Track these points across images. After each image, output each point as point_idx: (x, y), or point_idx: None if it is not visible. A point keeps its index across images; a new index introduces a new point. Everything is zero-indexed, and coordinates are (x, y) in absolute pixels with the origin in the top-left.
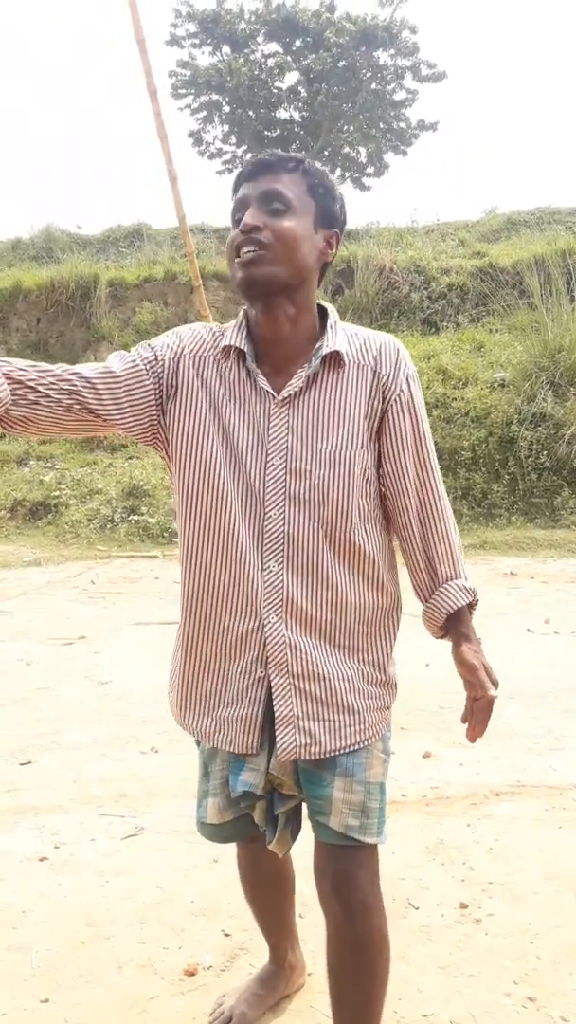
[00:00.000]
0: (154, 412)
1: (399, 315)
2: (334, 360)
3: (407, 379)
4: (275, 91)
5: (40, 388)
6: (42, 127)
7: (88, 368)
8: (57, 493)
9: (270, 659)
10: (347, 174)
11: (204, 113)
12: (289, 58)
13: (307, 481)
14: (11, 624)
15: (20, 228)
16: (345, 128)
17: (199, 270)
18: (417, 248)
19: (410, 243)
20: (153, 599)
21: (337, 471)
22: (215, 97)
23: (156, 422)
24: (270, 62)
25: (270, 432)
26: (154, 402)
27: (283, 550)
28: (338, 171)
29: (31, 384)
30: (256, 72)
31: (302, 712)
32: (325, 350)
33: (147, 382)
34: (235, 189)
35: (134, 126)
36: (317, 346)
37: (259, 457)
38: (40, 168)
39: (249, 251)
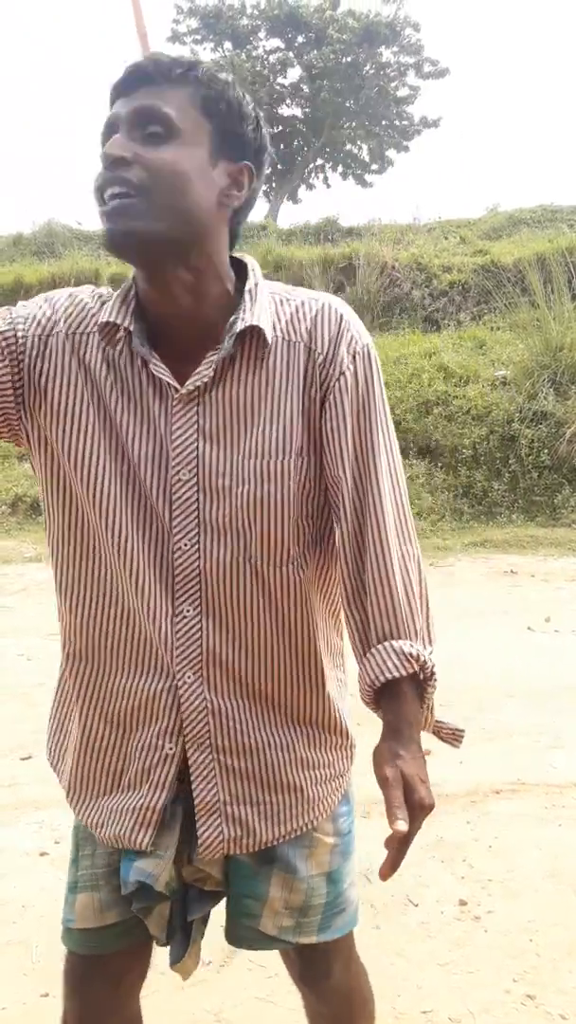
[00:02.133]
0: (9, 408)
1: (400, 313)
2: (254, 339)
3: (353, 355)
4: (277, 87)
5: None
6: (44, 123)
7: None
8: None
9: (187, 730)
10: (349, 171)
11: None
12: (291, 54)
13: (227, 502)
14: (11, 620)
15: (22, 223)
16: (347, 125)
17: None
18: (419, 246)
19: (412, 240)
20: None
21: (266, 487)
22: None
23: (13, 421)
24: (272, 58)
25: (174, 438)
26: (10, 396)
27: (199, 591)
28: (340, 168)
29: None
30: (258, 68)
31: (229, 795)
32: (240, 325)
33: (2, 372)
34: (109, 101)
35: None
36: (231, 320)
37: (161, 471)
38: (41, 164)
39: (114, 195)
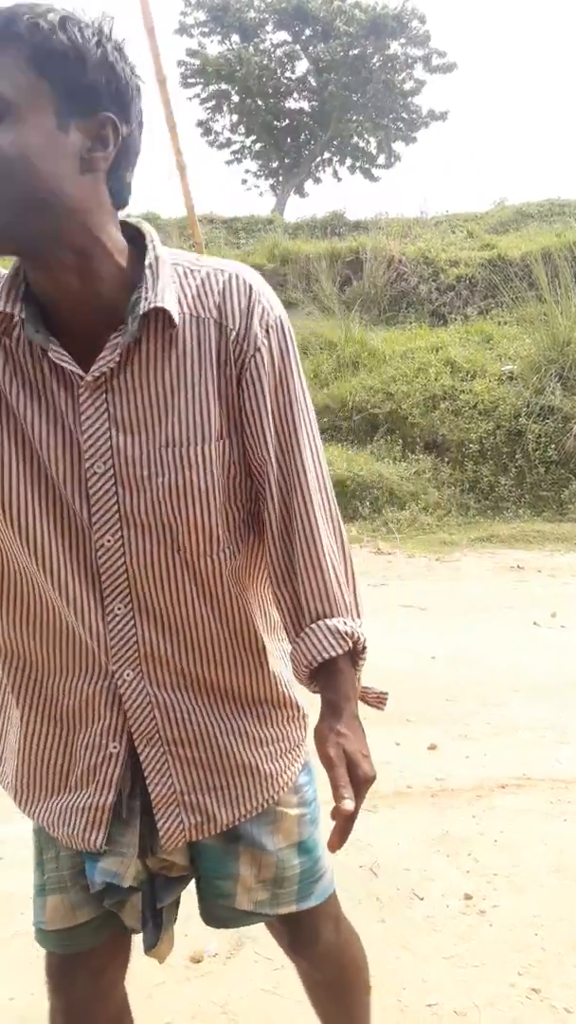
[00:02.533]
0: None
1: (407, 307)
2: (159, 319)
3: (267, 329)
4: (284, 81)
5: None
6: None
7: None
8: None
9: (134, 727)
10: (357, 164)
11: (213, 103)
12: (299, 47)
13: (147, 493)
14: None
15: None
16: (355, 118)
17: None
18: (426, 240)
19: (419, 234)
20: None
21: (187, 475)
22: (224, 87)
23: None
24: (279, 51)
25: (83, 428)
26: None
27: (128, 587)
28: (348, 161)
29: None
30: (265, 61)
31: (186, 785)
32: (144, 306)
33: None
34: None
35: (144, 115)
36: (133, 299)
37: (74, 466)
38: None
39: None
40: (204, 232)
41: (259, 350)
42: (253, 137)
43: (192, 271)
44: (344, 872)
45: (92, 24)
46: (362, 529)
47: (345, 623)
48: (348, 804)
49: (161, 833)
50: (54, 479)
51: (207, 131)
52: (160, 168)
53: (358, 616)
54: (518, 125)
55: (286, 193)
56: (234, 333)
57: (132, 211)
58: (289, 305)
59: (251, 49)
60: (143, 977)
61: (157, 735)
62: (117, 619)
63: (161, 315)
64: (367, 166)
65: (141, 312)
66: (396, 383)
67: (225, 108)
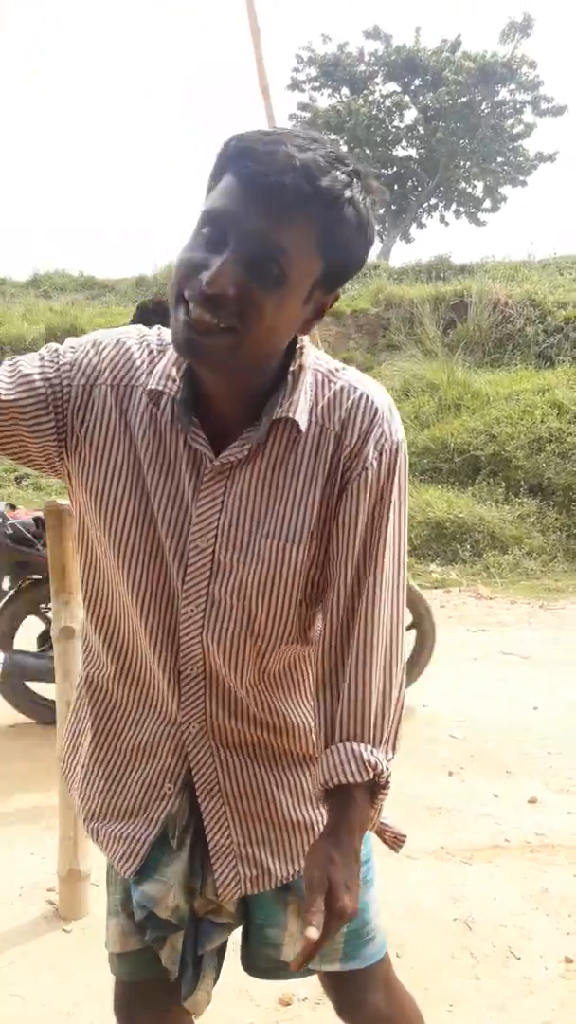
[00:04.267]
0: (51, 451)
1: (513, 349)
2: (288, 427)
3: (380, 452)
4: (393, 129)
5: None
6: (168, 169)
7: None
8: None
9: (196, 778)
10: (463, 209)
11: None
12: (407, 97)
13: (234, 578)
14: None
15: (144, 266)
16: (462, 164)
17: None
18: (533, 282)
19: (526, 276)
20: None
21: (277, 569)
22: (333, 137)
23: (56, 463)
24: (388, 101)
25: (198, 507)
26: (52, 442)
27: (201, 658)
28: (454, 206)
29: None
30: (374, 112)
31: (243, 838)
32: (278, 413)
33: (45, 420)
34: (223, 165)
35: None
36: (271, 402)
37: (181, 536)
38: (164, 208)
39: (203, 322)
40: None
41: (367, 469)
42: None
43: (330, 381)
44: (438, 924)
45: (361, 215)
46: (462, 573)
47: (373, 753)
48: (312, 932)
49: (218, 883)
50: (162, 542)
51: None
52: None
53: (390, 751)
54: None
55: (392, 239)
56: (348, 449)
57: None
58: (391, 348)
59: (360, 100)
60: (233, 1016)
61: (217, 787)
62: (189, 680)
63: (290, 425)
64: (473, 210)
65: (273, 418)
66: (500, 425)
67: None
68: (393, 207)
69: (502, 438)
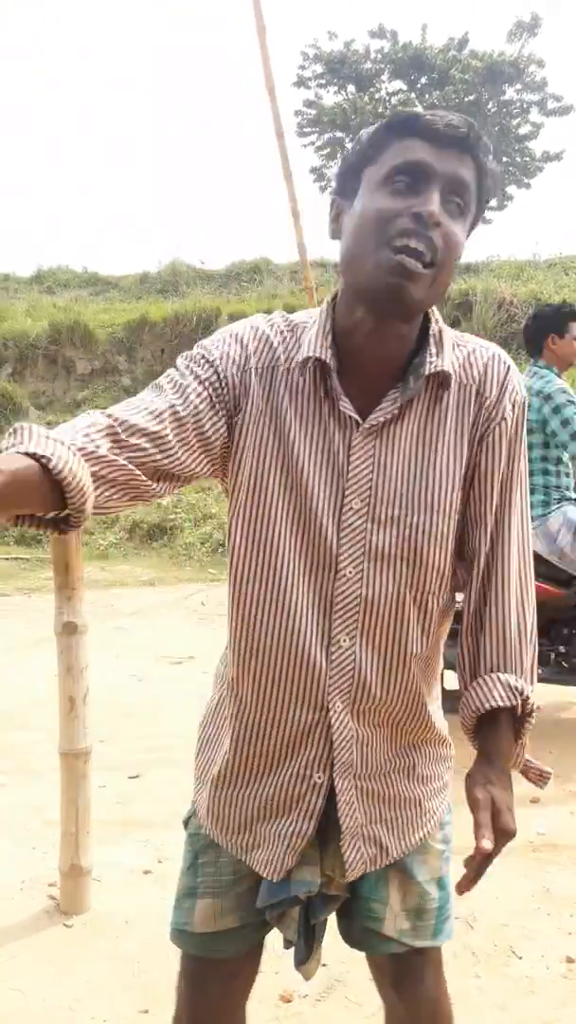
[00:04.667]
0: (222, 449)
1: (517, 347)
2: (438, 381)
3: (513, 405)
4: None
5: (119, 481)
6: (172, 166)
7: (144, 416)
8: (173, 516)
9: (336, 758)
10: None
11: (328, 150)
12: (414, 95)
13: (396, 531)
14: (125, 641)
15: (148, 263)
16: None
17: (317, 304)
18: (538, 281)
19: (531, 276)
20: None
21: (434, 519)
22: (339, 135)
23: (221, 460)
24: (394, 100)
25: (351, 469)
26: (224, 439)
27: (358, 620)
28: None
29: (111, 478)
30: (380, 110)
31: (366, 817)
32: (429, 368)
33: (219, 419)
34: (387, 134)
35: (259, 164)
36: (417, 361)
37: (334, 501)
38: (168, 205)
39: (415, 256)
40: (315, 276)
41: (504, 420)
42: None
43: (459, 345)
44: None
45: (498, 172)
46: None
47: (517, 680)
48: (487, 844)
49: (347, 863)
50: (314, 511)
51: (320, 177)
52: (274, 214)
53: (531, 682)
54: None
55: None
56: (488, 401)
57: (246, 257)
58: None
59: (366, 98)
60: None
61: (351, 768)
62: (341, 651)
63: (441, 378)
64: None
65: (425, 373)
66: None
67: (339, 156)
68: None
69: None
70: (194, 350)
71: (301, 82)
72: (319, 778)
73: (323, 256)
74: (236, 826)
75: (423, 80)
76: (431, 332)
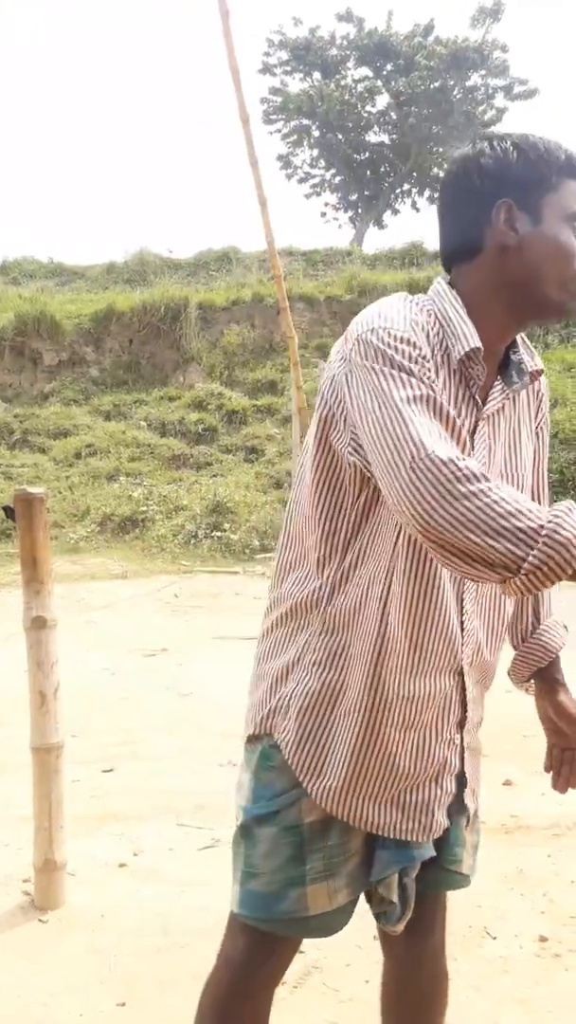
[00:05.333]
0: None
1: None
2: (532, 379)
3: (546, 399)
4: (365, 115)
5: None
6: (138, 155)
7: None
8: (144, 508)
9: (468, 719)
10: (436, 195)
11: (294, 137)
12: (379, 82)
13: None
14: (98, 634)
15: (115, 252)
16: (435, 149)
17: (286, 292)
18: None
19: None
20: (234, 614)
21: (525, 494)
22: (305, 122)
23: None
24: (360, 87)
25: (475, 450)
26: None
27: (475, 589)
28: (427, 192)
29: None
30: (346, 97)
31: (472, 769)
32: (530, 367)
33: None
34: (551, 185)
35: (226, 152)
36: (515, 359)
37: None
38: (134, 194)
39: None
40: (283, 265)
41: (546, 413)
42: (333, 170)
43: (526, 350)
44: None
45: None
46: None
47: (561, 620)
48: None
49: (470, 810)
50: None
51: (287, 165)
52: (242, 203)
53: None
54: None
55: (365, 225)
56: (543, 399)
57: (214, 246)
58: None
59: (332, 85)
60: None
61: (469, 727)
62: (469, 616)
63: (537, 376)
64: None
65: (529, 370)
66: None
67: (305, 143)
68: (366, 193)
69: None
70: (400, 360)
71: (267, 69)
72: (458, 739)
73: (291, 244)
74: (379, 805)
75: (389, 67)
76: (519, 335)
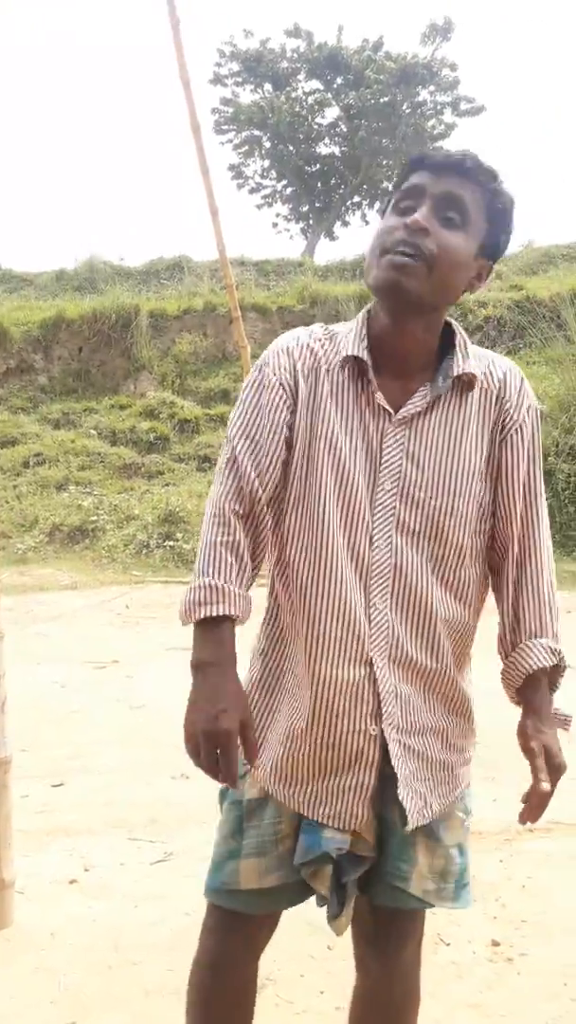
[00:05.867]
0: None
1: None
2: (464, 383)
3: (528, 410)
4: (315, 127)
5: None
6: (88, 161)
7: (256, 482)
8: (95, 518)
9: (384, 711)
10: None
11: (245, 148)
12: (330, 95)
13: (421, 511)
14: (47, 647)
15: (64, 259)
16: (384, 162)
17: (238, 302)
18: None
19: None
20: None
21: (454, 502)
22: (256, 133)
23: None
24: (311, 99)
25: (383, 454)
26: (289, 435)
27: (390, 585)
28: (377, 205)
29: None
30: (297, 109)
31: (410, 772)
32: (457, 370)
33: (289, 422)
34: (407, 172)
35: (177, 161)
36: (445, 364)
37: (369, 481)
38: (85, 201)
39: (406, 254)
40: (235, 274)
41: (523, 424)
42: (284, 181)
43: (491, 362)
44: None
45: (510, 196)
46: None
47: (553, 644)
48: (545, 785)
49: (407, 809)
50: (352, 490)
51: (239, 175)
52: (193, 212)
53: (560, 644)
54: (546, 166)
55: (316, 236)
56: (508, 405)
57: (164, 254)
58: None
59: (283, 97)
60: (164, 1018)
61: (395, 722)
62: (377, 612)
63: (467, 379)
64: None
65: (454, 374)
66: None
67: (257, 154)
68: (317, 204)
69: None
70: (253, 373)
71: (218, 79)
72: (374, 730)
73: (243, 254)
74: (300, 785)
75: (339, 80)
76: (457, 341)
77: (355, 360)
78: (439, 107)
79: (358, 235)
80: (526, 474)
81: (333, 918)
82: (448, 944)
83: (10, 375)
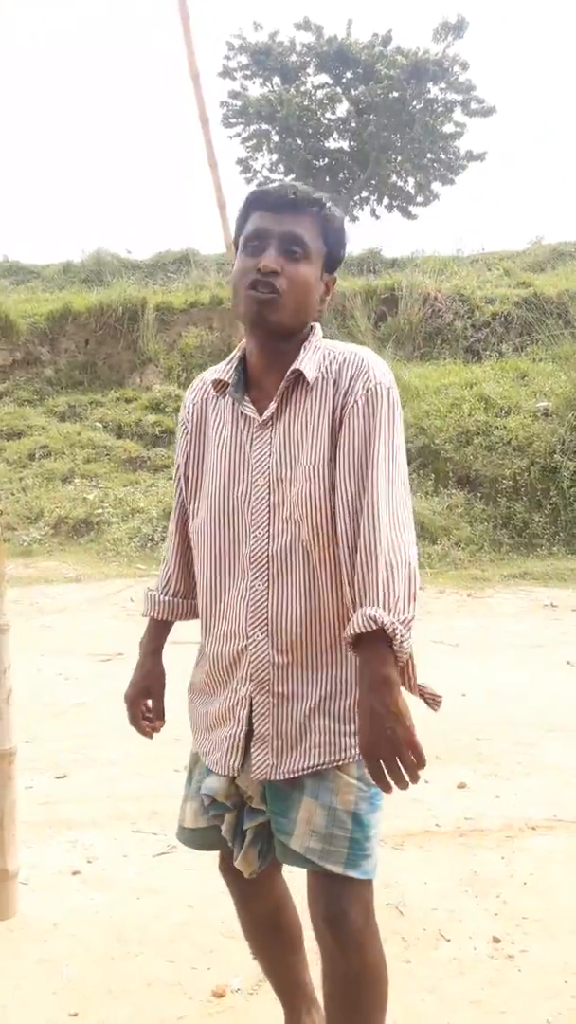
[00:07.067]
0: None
1: (442, 343)
2: (300, 379)
3: (365, 389)
4: (324, 121)
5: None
6: (96, 154)
7: (180, 509)
8: (100, 511)
9: (253, 677)
10: (394, 203)
11: (253, 142)
12: (339, 89)
13: (286, 499)
14: (51, 639)
15: (71, 252)
16: (394, 158)
17: None
18: (462, 277)
19: (455, 272)
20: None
21: (309, 487)
22: (264, 127)
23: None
24: (320, 93)
25: (253, 454)
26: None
27: (267, 568)
28: (385, 200)
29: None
30: (306, 103)
31: (276, 732)
32: (292, 367)
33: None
34: (247, 210)
35: (185, 154)
36: (291, 368)
37: (246, 480)
38: (92, 193)
39: (264, 292)
40: None
41: (356, 403)
42: (292, 175)
43: (335, 354)
44: None
45: (339, 215)
46: None
47: (376, 611)
48: (400, 788)
49: (254, 764)
50: (234, 490)
51: (247, 169)
52: (200, 205)
53: (402, 612)
54: (556, 164)
55: None
56: (343, 390)
57: (173, 248)
58: None
59: (292, 91)
60: (165, 1010)
61: (267, 687)
62: (255, 592)
63: (296, 375)
64: (404, 204)
65: (287, 371)
66: (429, 418)
67: (265, 147)
68: None
69: (431, 431)
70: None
71: (227, 72)
72: (244, 691)
73: None
74: (201, 735)
75: (348, 74)
76: (303, 346)
77: (218, 382)
78: (449, 105)
79: (366, 230)
80: (360, 446)
81: (237, 858)
82: (449, 940)
83: (16, 367)
